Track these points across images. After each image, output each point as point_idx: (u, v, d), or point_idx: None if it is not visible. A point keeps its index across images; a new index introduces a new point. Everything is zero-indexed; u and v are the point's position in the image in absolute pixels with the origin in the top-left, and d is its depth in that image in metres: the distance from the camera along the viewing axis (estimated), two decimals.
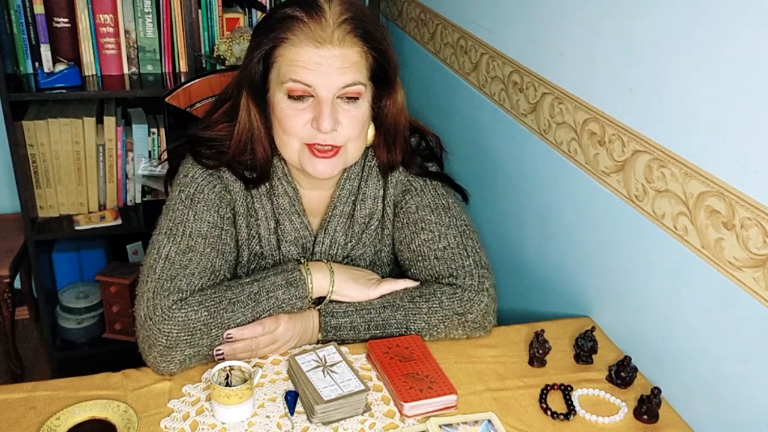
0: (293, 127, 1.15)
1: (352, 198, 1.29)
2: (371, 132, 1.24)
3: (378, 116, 1.24)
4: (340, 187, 1.28)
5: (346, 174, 1.28)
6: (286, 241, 1.27)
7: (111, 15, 2.16)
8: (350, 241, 1.30)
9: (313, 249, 1.29)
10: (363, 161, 1.30)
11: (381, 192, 1.30)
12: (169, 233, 1.18)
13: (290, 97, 1.14)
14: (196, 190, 1.21)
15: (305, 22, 1.12)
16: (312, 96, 1.13)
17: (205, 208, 1.21)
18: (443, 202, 1.29)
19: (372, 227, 1.31)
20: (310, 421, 1.05)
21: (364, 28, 1.14)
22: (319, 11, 1.12)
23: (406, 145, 1.28)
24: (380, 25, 1.20)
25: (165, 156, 1.33)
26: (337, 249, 1.30)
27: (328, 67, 1.11)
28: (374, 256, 1.33)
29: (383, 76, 1.19)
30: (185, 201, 1.21)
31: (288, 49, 1.13)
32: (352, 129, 1.16)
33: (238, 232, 1.26)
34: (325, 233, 1.28)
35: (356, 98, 1.15)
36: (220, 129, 1.24)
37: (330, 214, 1.28)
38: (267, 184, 1.26)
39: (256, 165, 1.23)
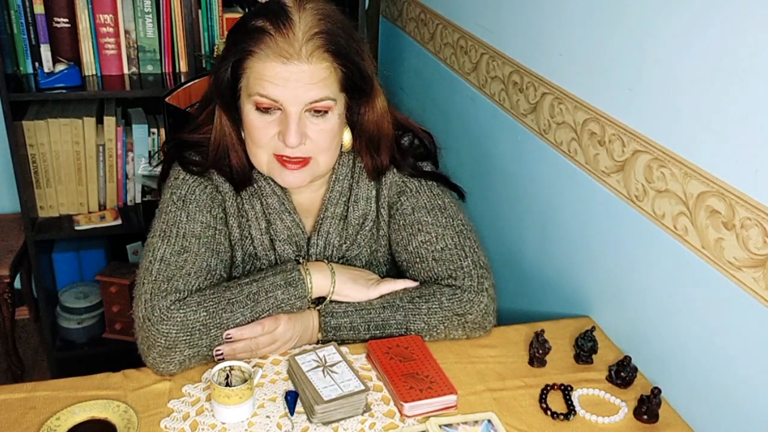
0: (261, 139, 1.15)
1: (344, 199, 1.29)
2: (348, 137, 1.23)
3: (356, 124, 1.23)
4: (330, 189, 1.27)
5: (335, 176, 1.27)
6: (279, 241, 1.27)
7: (111, 15, 2.15)
8: (345, 243, 1.30)
9: (307, 251, 1.29)
10: (352, 163, 1.29)
11: (374, 193, 1.30)
12: (163, 235, 1.18)
13: (258, 109, 1.13)
14: (187, 191, 1.22)
15: (272, 35, 1.09)
16: (279, 109, 1.12)
17: (197, 208, 1.21)
18: (439, 202, 1.28)
19: (366, 228, 1.30)
20: (310, 421, 1.05)
21: (334, 42, 1.11)
22: (288, 23, 1.10)
23: (395, 148, 1.27)
24: (353, 36, 1.17)
25: (162, 157, 1.33)
26: (332, 250, 1.29)
27: (295, 83, 1.09)
28: (370, 256, 1.33)
29: (356, 88, 1.18)
30: (177, 203, 1.21)
31: (255, 62, 1.11)
32: (321, 142, 1.15)
33: (230, 233, 1.26)
34: (318, 235, 1.28)
35: (325, 112, 1.14)
36: (206, 131, 1.24)
37: (322, 215, 1.28)
38: (255, 185, 1.26)
39: (234, 171, 1.23)
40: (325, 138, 1.16)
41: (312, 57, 1.10)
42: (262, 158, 1.18)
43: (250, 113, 1.15)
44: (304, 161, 1.16)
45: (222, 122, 1.20)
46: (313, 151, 1.16)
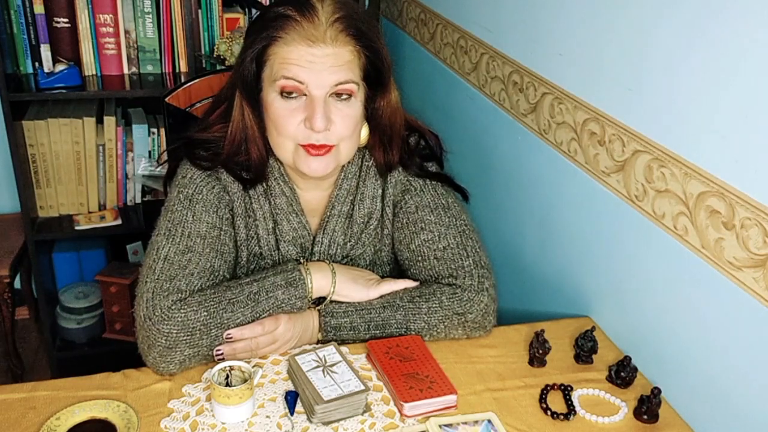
0: (286, 128, 1.15)
1: (350, 198, 1.29)
2: (365, 132, 1.24)
3: (372, 117, 1.24)
4: (338, 186, 1.28)
5: (343, 174, 1.28)
6: (284, 241, 1.27)
7: (111, 15, 2.16)
8: (349, 241, 1.30)
9: (312, 249, 1.29)
10: (360, 161, 1.30)
11: (380, 191, 1.30)
12: (168, 234, 1.18)
13: (283, 95, 1.14)
14: (194, 191, 1.22)
15: (298, 20, 1.12)
16: (304, 94, 1.13)
17: (203, 208, 1.21)
18: (443, 201, 1.29)
19: (371, 227, 1.31)
20: (310, 421, 1.05)
21: (356, 26, 1.14)
22: (312, 10, 1.12)
23: (404, 146, 1.28)
24: (373, 23, 1.20)
25: (165, 157, 1.33)
26: (336, 249, 1.30)
27: (320, 65, 1.11)
28: (374, 255, 1.33)
29: (376, 76, 1.19)
30: (184, 202, 1.21)
31: (281, 47, 1.13)
32: (345, 128, 1.16)
33: (236, 233, 1.26)
34: (323, 233, 1.28)
35: (349, 96, 1.15)
36: (216, 130, 1.25)
37: (328, 213, 1.28)
38: (264, 184, 1.26)
39: (252, 165, 1.23)
40: (349, 124, 1.16)
41: (336, 40, 1.12)
42: (287, 147, 1.18)
43: (275, 101, 1.15)
44: (328, 148, 1.17)
45: (244, 115, 1.20)
46: (337, 137, 1.16)
